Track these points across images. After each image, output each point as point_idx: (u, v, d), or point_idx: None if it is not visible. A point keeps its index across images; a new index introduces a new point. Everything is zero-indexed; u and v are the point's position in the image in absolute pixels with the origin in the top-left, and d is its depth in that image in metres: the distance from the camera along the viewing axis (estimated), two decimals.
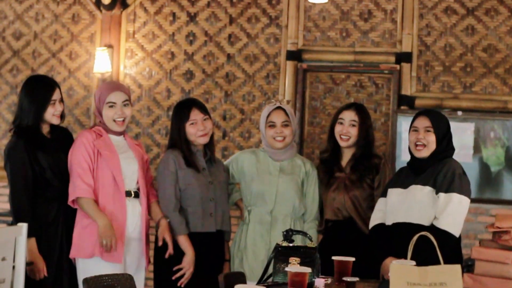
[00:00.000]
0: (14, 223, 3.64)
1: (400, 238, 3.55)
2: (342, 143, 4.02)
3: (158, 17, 6.55)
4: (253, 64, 6.43)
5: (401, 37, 6.25)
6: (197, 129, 3.87)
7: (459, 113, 6.08)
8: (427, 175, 3.68)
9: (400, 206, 3.68)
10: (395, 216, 3.69)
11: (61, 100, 3.84)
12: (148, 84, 6.54)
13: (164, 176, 3.84)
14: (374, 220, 3.80)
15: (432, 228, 3.51)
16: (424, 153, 3.71)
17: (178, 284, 3.78)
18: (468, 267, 3.73)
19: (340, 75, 6.35)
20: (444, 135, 3.73)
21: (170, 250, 3.77)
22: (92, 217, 3.64)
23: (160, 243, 3.80)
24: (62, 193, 3.72)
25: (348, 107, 4.09)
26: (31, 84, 3.83)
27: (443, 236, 3.51)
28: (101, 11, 6.53)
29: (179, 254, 3.80)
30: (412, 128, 3.76)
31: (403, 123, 6.01)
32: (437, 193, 3.62)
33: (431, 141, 3.70)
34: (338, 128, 4.02)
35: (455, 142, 3.84)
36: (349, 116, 4.01)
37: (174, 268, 3.78)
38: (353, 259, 3.29)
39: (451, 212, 3.57)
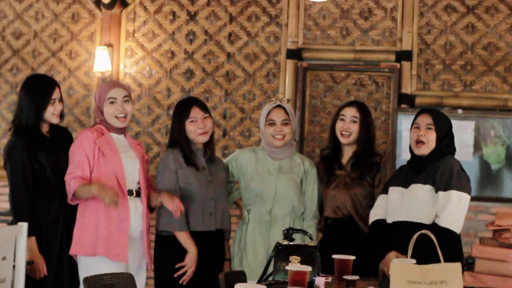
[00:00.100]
0: (14, 222, 3.64)
1: (400, 237, 3.55)
2: (343, 140, 4.01)
3: (158, 16, 6.55)
4: (253, 63, 6.42)
5: (401, 35, 6.24)
6: (197, 127, 3.88)
7: (459, 111, 6.07)
8: (426, 173, 3.69)
9: (400, 205, 3.68)
10: (395, 214, 3.70)
11: (61, 100, 3.84)
12: (148, 83, 6.54)
13: (164, 175, 3.84)
14: (374, 215, 3.80)
15: (434, 227, 3.52)
16: (423, 150, 3.71)
17: (180, 282, 3.78)
18: (468, 265, 3.73)
19: (340, 74, 6.34)
20: (445, 134, 3.73)
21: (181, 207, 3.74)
22: (88, 194, 3.63)
23: (154, 203, 3.80)
24: (62, 192, 3.72)
25: (349, 104, 4.11)
26: (30, 83, 3.83)
27: (445, 234, 3.51)
28: (101, 10, 6.53)
29: (179, 253, 3.80)
30: (414, 125, 3.77)
31: (404, 121, 6.01)
32: (436, 191, 3.62)
33: (431, 139, 3.70)
34: (339, 125, 4.02)
35: (456, 140, 3.84)
36: (350, 112, 4.02)
37: (177, 266, 3.78)
38: (353, 257, 3.29)
39: (452, 209, 3.57)
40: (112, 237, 3.66)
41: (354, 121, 4.00)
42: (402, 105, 6.17)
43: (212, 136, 3.97)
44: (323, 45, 6.34)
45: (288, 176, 4.00)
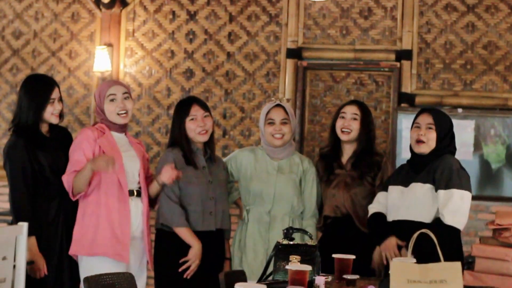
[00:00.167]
0: (14, 222, 3.64)
1: (400, 236, 3.56)
2: (343, 137, 4.01)
3: (157, 16, 6.55)
4: (253, 62, 6.42)
5: (401, 34, 6.24)
6: (197, 125, 3.88)
7: (459, 110, 6.07)
8: (426, 172, 3.69)
9: (400, 203, 3.68)
10: (395, 213, 3.70)
11: (60, 99, 3.84)
12: (148, 82, 6.53)
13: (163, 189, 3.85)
14: (373, 209, 3.81)
15: (437, 224, 3.52)
16: (423, 148, 3.71)
17: (184, 276, 3.78)
18: (468, 264, 3.73)
19: (340, 73, 6.34)
20: (446, 133, 3.73)
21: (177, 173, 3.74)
22: (86, 178, 3.61)
23: (154, 190, 3.81)
24: (61, 191, 3.72)
25: (350, 103, 4.13)
26: (30, 83, 3.83)
27: (448, 231, 3.51)
28: (100, 9, 6.53)
29: (179, 249, 3.80)
30: (414, 125, 3.77)
31: (404, 120, 6.01)
32: (436, 190, 3.62)
33: (431, 138, 3.70)
34: (339, 123, 4.02)
35: (456, 139, 3.84)
36: (351, 110, 4.03)
37: (181, 261, 3.77)
38: (353, 256, 3.29)
39: (455, 207, 3.57)
40: (114, 237, 3.66)
41: (355, 118, 4.00)
42: (402, 104, 6.17)
43: (212, 135, 3.97)
44: (323, 44, 6.34)
45: (287, 176, 4.00)
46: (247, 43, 6.43)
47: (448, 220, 3.55)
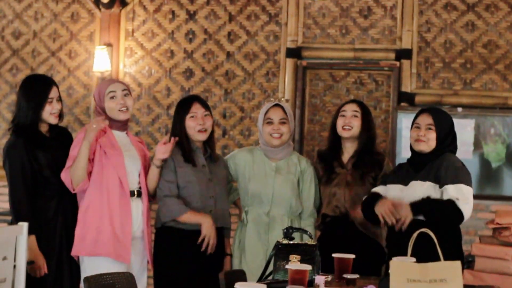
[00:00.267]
0: (13, 221, 3.65)
1: (401, 234, 3.55)
2: (344, 133, 4.00)
3: (157, 15, 6.55)
4: (252, 62, 6.42)
5: (401, 33, 6.24)
6: (196, 123, 3.88)
7: (459, 109, 6.07)
8: (426, 171, 3.69)
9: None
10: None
11: (59, 99, 3.84)
12: (147, 82, 6.54)
13: (163, 174, 3.84)
14: (371, 192, 3.82)
15: (451, 202, 3.49)
16: (423, 146, 3.71)
17: (207, 253, 3.77)
18: (468, 263, 3.73)
19: (340, 72, 6.34)
20: (447, 133, 3.73)
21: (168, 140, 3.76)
22: (83, 155, 3.60)
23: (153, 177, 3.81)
24: (61, 191, 3.72)
25: (349, 101, 4.13)
26: (28, 83, 3.84)
27: (457, 215, 3.51)
28: (100, 9, 6.53)
29: (179, 248, 3.80)
30: (414, 125, 3.77)
31: (403, 120, 6.01)
32: (441, 186, 3.61)
33: (431, 138, 3.70)
34: (340, 121, 4.02)
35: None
36: (351, 108, 4.03)
37: (199, 241, 3.75)
38: (353, 256, 3.29)
39: (465, 198, 3.58)
40: (115, 238, 3.66)
41: (355, 116, 4.01)
42: (402, 104, 6.17)
43: (212, 134, 3.98)
44: (322, 43, 6.34)
45: (285, 177, 4.00)
46: (246, 42, 6.43)
47: (461, 205, 3.54)
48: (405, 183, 3.71)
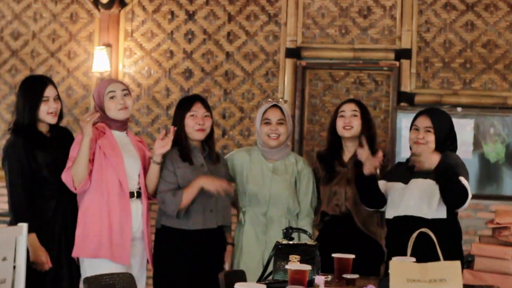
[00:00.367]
0: (12, 220, 3.65)
1: (401, 232, 3.54)
2: (346, 134, 4.00)
3: (156, 16, 6.55)
4: (252, 62, 6.42)
5: (400, 33, 6.24)
6: (195, 122, 3.88)
7: (459, 109, 6.07)
8: (426, 169, 3.68)
9: (400, 200, 3.68)
10: (395, 209, 3.69)
11: (58, 99, 3.85)
12: (147, 83, 6.53)
13: (163, 175, 3.84)
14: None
15: (456, 175, 3.49)
16: (422, 148, 3.71)
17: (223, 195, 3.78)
18: (468, 263, 3.73)
19: (340, 72, 6.34)
20: (446, 135, 3.72)
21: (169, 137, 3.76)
22: (84, 152, 3.59)
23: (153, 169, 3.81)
24: (59, 191, 3.72)
25: (347, 101, 4.12)
26: (24, 83, 3.87)
27: (460, 188, 3.51)
28: (99, 10, 6.53)
29: (179, 247, 3.80)
30: (413, 127, 3.76)
31: (403, 119, 6.00)
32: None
33: (430, 141, 3.70)
34: (340, 122, 4.02)
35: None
36: (349, 107, 4.03)
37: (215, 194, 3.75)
38: (353, 256, 3.29)
39: (466, 185, 3.56)
40: (115, 240, 3.66)
41: (355, 115, 4.01)
42: (402, 104, 6.17)
43: (212, 134, 3.98)
44: (322, 43, 6.34)
45: (282, 178, 4.00)
46: (246, 42, 6.43)
47: (464, 183, 3.54)
48: (406, 181, 3.71)
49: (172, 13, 6.54)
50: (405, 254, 3.05)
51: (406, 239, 3.09)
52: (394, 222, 3.71)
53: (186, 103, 3.95)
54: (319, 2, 6.28)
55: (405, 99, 6.18)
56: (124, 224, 3.69)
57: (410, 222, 3.56)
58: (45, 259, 3.64)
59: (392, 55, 6.23)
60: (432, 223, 3.49)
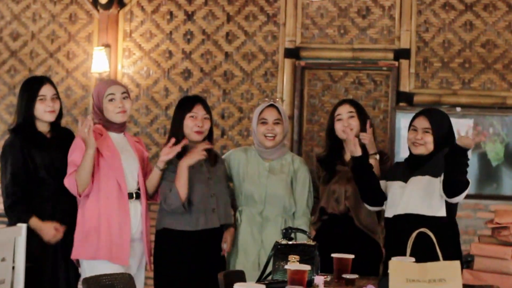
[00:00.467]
0: (6, 209, 3.65)
1: (401, 230, 3.53)
2: (346, 136, 3.99)
3: (155, 16, 6.54)
4: (251, 62, 6.42)
5: (399, 33, 6.24)
6: (195, 124, 3.88)
7: (458, 109, 6.07)
8: (425, 167, 3.68)
9: (400, 198, 3.68)
10: (395, 208, 3.69)
11: (57, 98, 3.85)
12: (146, 83, 6.53)
13: (165, 176, 3.84)
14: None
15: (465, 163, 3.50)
16: (421, 149, 3.71)
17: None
18: (467, 263, 3.73)
19: (339, 72, 6.34)
20: (444, 136, 3.72)
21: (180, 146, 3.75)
22: (87, 164, 3.59)
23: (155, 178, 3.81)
24: (57, 192, 3.72)
25: (341, 103, 4.09)
26: (24, 83, 3.90)
27: (466, 181, 3.49)
28: (98, 10, 6.52)
29: (179, 248, 3.80)
30: (411, 127, 3.76)
31: (402, 119, 6.00)
32: (438, 175, 3.59)
33: (429, 142, 3.70)
34: (338, 125, 4.01)
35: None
36: (345, 110, 4.02)
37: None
38: (352, 256, 3.29)
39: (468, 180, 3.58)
40: (114, 241, 3.66)
41: (352, 116, 4.00)
42: (401, 104, 6.16)
43: (211, 135, 3.98)
44: (321, 44, 6.34)
45: (278, 177, 4.00)
46: (245, 43, 6.43)
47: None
48: (405, 180, 3.71)
49: (171, 13, 6.53)
50: (404, 254, 3.05)
51: (405, 238, 3.09)
52: (393, 221, 3.71)
53: (186, 104, 3.95)
54: (318, 2, 6.28)
55: (404, 99, 6.17)
56: (123, 225, 3.68)
57: (410, 221, 3.55)
58: (53, 232, 3.65)
59: (391, 55, 6.23)
60: (431, 222, 3.48)
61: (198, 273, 3.80)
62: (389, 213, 3.74)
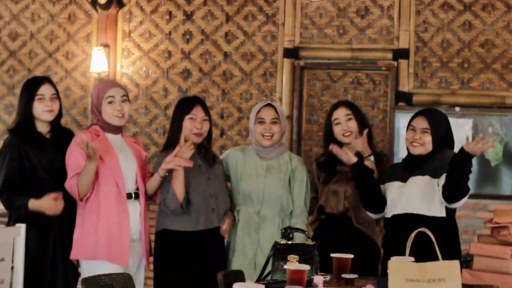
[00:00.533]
0: (5, 204, 3.67)
1: (401, 230, 3.53)
2: (347, 139, 3.98)
3: (154, 16, 6.54)
4: (250, 62, 6.42)
5: (398, 33, 6.24)
6: (194, 126, 3.88)
7: (457, 109, 6.07)
8: (424, 167, 3.68)
9: (399, 198, 3.68)
10: (394, 208, 3.69)
11: (57, 98, 3.85)
12: (145, 83, 6.53)
13: (166, 178, 3.84)
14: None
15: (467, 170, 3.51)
16: (419, 150, 3.70)
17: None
18: (466, 262, 3.73)
19: (338, 72, 6.34)
20: (443, 136, 3.72)
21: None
22: (90, 174, 3.59)
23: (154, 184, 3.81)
24: (55, 191, 3.71)
25: (336, 107, 4.07)
26: (24, 83, 3.90)
27: (466, 188, 3.51)
28: (97, 10, 6.52)
29: (179, 249, 3.80)
30: (410, 127, 3.76)
31: (401, 119, 6.00)
32: (437, 176, 3.60)
33: (427, 142, 3.70)
34: (337, 129, 4.00)
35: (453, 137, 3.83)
36: (342, 113, 4.00)
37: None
38: (351, 256, 3.29)
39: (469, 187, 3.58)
40: (114, 241, 3.66)
41: (349, 118, 3.99)
42: (400, 103, 6.17)
43: (210, 135, 3.98)
44: (320, 43, 6.34)
45: (276, 176, 4.00)
46: (244, 43, 6.43)
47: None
48: (403, 180, 3.71)
49: (170, 13, 6.53)
50: (403, 253, 3.05)
51: (405, 238, 3.09)
52: (392, 221, 3.71)
53: (185, 105, 3.94)
54: (317, 2, 6.28)
55: (403, 98, 6.18)
56: (122, 225, 3.68)
57: (409, 220, 3.55)
58: (53, 203, 3.64)
59: (390, 55, 6.24)
60: (431, 222, 3.48)
61: (198, 273, 3.80)
62: (388, 213, 3.74)
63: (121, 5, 6.54)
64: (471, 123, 6.05)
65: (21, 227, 3.52)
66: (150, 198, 3.89)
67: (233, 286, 2.59)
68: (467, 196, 3.56)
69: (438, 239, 3.02)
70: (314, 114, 6.36)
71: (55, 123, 3.86)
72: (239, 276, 3.36)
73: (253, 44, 6.41)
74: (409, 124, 3.78)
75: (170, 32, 6.52)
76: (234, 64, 6.43)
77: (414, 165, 3.73)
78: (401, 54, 6.21)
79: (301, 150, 6.27)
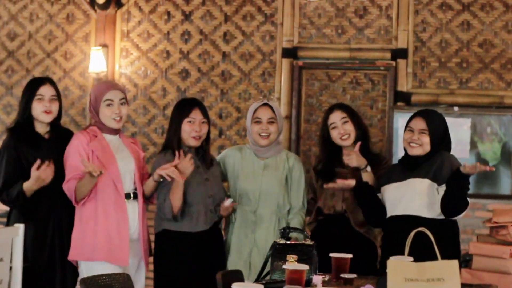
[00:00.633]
0: (4, 199, 3.67)
1: (400, 231, 3.53)
2: (345, 143, 3.98)
3: (153, 16, 6.54)
4: (248, 62, 6.42)
5: (397, 33, 6.24)
6: (192, 129, 3.88)
7: (456, 108, 6.07)
8: (423, 169, 3.68)
9: (398, 199, 3.67)
10: (393, 209, 3.69)
11: (57, 99, 3.84)
12: (143, 83, 6.52)
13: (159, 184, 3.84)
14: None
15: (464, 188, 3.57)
16: (417, 151, 3.71)
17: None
18: (465, 262, 3.73)
19: (336, 72, 6.34)
20: (441, 137, 3.73)
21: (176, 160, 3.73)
22: (88, 185, 3.60)
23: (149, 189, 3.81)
24: (53, 193, 3.71)
25: (331, 110, 4.06)
26: (26, 83, 3.91)
27: (466, 182, 3.58)
28: (95, 10, 6.52)
29: (179, 249, 3.80)
30: (408, 128, 3.76)
31: (400, 119, 6.00)
32: (439, 184, 3.60)
33: (425, 143, 3.70)
34: (335, 133, 3.99)
35: (452, 137, 3.83)
36: (338, 116, 4.00)
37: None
38: (350, 255, 3.29)
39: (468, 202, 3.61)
40: (113, 242, 3.66)
41: (346, 122, 3.99)
42: (398, 103, 6.17)
43: (208, 136, 3.98)
44: (318, 43, 6.34)
45: (273, 175, 4.00)
46: (242, 43, 6.43)
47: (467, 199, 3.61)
48: (401, 180, 3.71)
49: (168, 13, 6.53)
50: (402, 254, 3.04)
51: (403, 238, 3.09)
52: (391, 221, 3.70)
53: (184, 108, 3.92)
54: (315, 2, 6.28)
55: (402, 98, 6.18)
56: (121, 225, 3.68)
57: (408, 222, 3.55)
58: (39, 172, 3.60)
59: (388, 55, 6.23)
60: (430, 222, 3.48)
61: (198, 273, 3.80)
62: (387, 214, 3.74)
63: (119, 5, 6.53)
64: (469, 122, 6.05)
65: (20, 227, 3.52)
66: (147, 199, 3.89)
67: (232, 286, 2.58)
68: (466, 210, 3.60)
69: (437, 239, 3.02)
70: (312, 114, 6.36)
71: (54, 124, 3.86)
72: (238, 276, 3.36)
73: (251, 44, 6.41)
74: (406, 125, 3.78)
75: (168, 32, 6.51)
76: (233, 64, 6.43)
77: (412, 166, 3.73)
78: (399, 54, 6.21)
79: (299, 149, 6.27)
